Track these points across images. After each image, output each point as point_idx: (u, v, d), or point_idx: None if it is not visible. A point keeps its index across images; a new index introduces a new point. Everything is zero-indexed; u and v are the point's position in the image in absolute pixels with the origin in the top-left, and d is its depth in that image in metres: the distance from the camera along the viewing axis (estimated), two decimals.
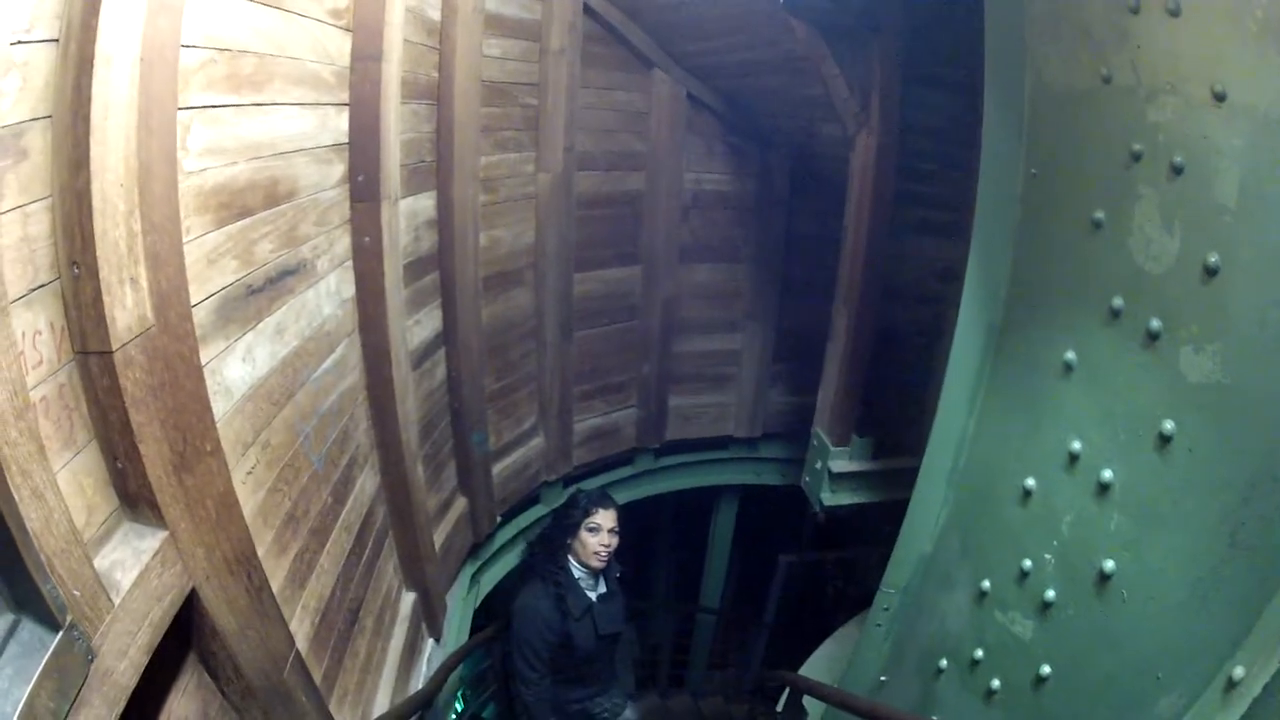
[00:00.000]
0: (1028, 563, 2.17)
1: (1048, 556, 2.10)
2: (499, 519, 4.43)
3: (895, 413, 4.21)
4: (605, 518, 3.39)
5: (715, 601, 6.67)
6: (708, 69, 4.58)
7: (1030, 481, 2.17)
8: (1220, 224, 1.61)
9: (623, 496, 5.44)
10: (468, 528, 4.09)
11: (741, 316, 5.48)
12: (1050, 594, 2.09)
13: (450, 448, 3.89)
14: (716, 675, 7.19)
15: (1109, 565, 1.90)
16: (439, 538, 3.62)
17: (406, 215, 3.10)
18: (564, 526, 3.42)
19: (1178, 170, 1.67)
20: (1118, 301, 1.84)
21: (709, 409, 5.63)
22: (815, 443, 4.36)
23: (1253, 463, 1.55)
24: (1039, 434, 2.16)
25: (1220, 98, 1.56)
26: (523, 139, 4.06)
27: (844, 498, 4.18)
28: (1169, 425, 1.73)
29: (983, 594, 2.38)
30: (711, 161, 5.02)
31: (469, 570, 4.27)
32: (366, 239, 2.69)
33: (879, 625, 2.93)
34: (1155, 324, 1.74)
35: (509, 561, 4.69)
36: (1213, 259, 1.62)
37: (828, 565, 6.57)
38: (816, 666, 4.13)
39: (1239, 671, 1.46)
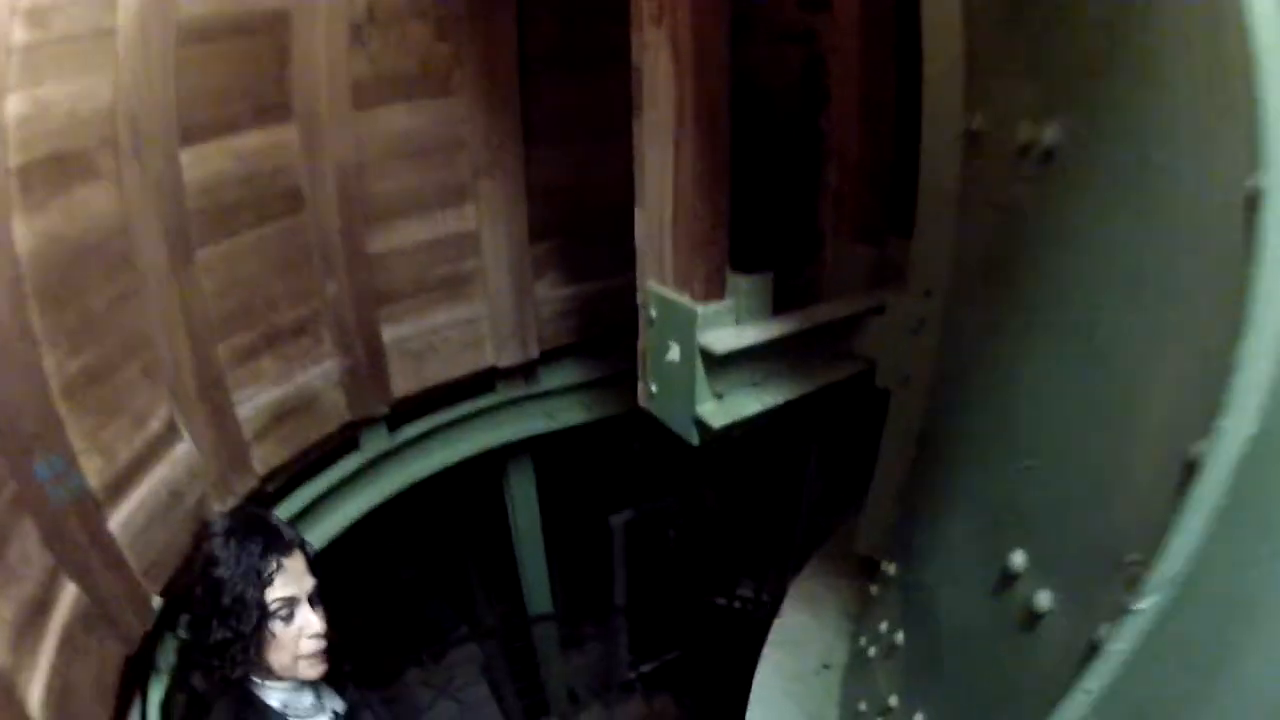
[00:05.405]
0: None
1: None
2: (157, 600, 2.24)
3: (791, 227, 2.30)
4: (293, 578, 1.92)
5: (546, 603, 4.79)
6: None
7: None
8: None
9: (363, 502, 3.40)
10: (106, 633, 2.00)
11: (471, 175, 3.34)
12: None
13: (11, 495, 1.82)
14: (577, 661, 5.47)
15: None
16: (35, 688, 1.69)
17: None
18: (229, 628, 1.87)
19: None
20: None
21: (450, 332, 3.48)
22: (654, 313, 2.29)
23: None
24: None
25: None
26: None
27: (748, 404, 2.19)
28: None
29: None
30: None
31: (155, 695, 2.24)
32: None
33: (1089, 691, 1.04)
34: None
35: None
36: None
37: (675, 508, 4.93)
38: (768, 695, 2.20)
39: None
